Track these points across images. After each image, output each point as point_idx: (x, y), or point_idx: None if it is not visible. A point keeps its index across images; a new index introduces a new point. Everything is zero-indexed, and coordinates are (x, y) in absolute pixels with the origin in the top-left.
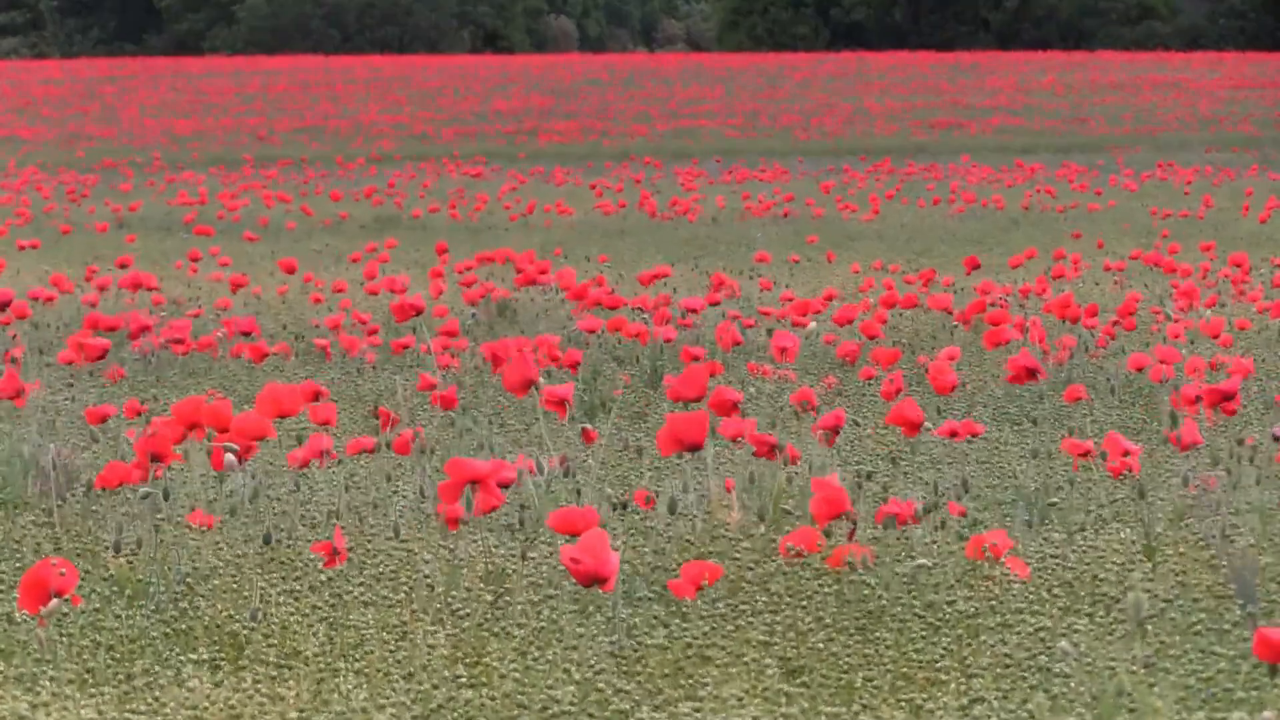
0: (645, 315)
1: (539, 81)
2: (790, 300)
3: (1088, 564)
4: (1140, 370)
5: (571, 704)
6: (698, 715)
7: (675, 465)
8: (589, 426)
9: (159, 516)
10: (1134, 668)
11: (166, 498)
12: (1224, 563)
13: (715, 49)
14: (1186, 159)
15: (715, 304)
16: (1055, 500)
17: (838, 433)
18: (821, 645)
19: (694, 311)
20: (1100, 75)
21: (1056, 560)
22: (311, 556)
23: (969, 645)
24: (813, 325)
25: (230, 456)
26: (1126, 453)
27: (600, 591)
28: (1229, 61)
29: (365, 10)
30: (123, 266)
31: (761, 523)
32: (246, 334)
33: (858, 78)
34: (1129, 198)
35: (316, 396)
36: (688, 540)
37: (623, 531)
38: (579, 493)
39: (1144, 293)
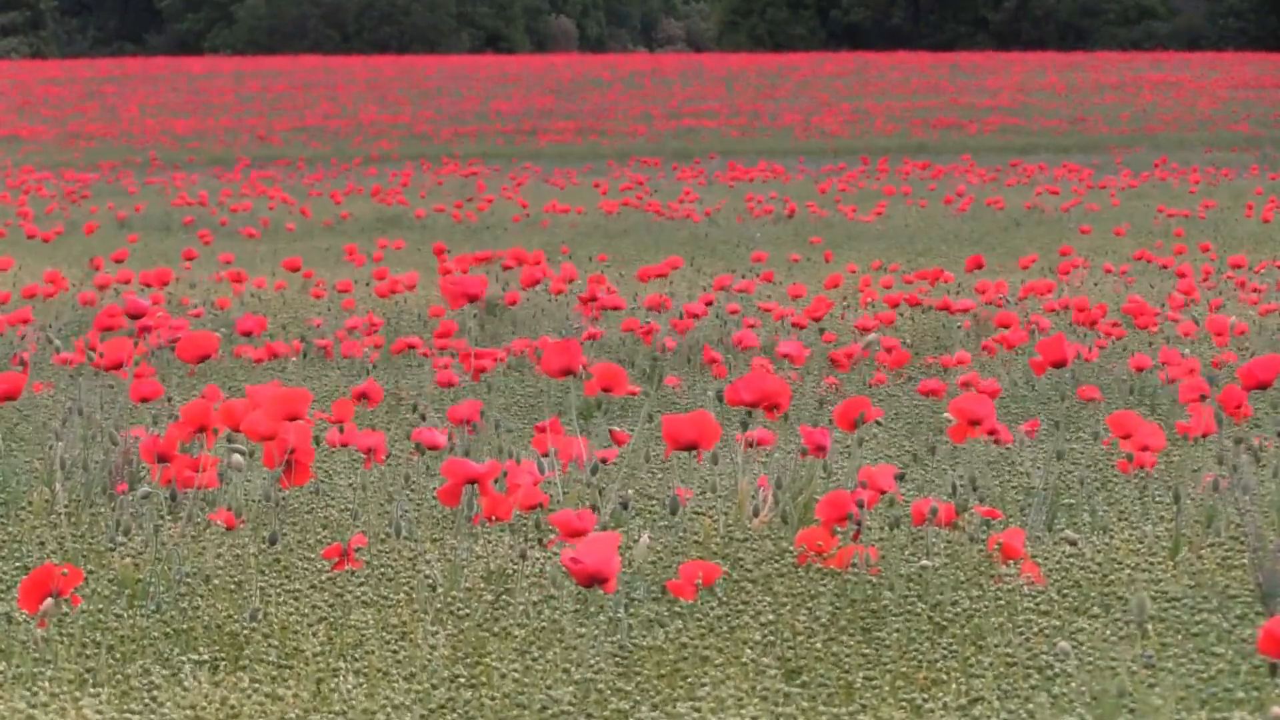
0: (651, 315)
1: (539, 81)
2: (796, 299)
3: (1099, 564)
4: (1141, 370)
5: (571, 704)
6: (697, 715)
7: (695, 465)
8: (616, 428)
9: (164, 516)
10: (1134, 667)
11: (174, 499)
12: (1253, 559)
13: (715, 49)
14: (1186, 159)
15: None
16: (1071, 500)
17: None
18: (821, 646)
19: (696, 316)
20: (1099, 75)
21: (1071, 560)
22: (313, 556)
23: (973, 645)
24: (874, 336)
25: (238, 458)
26: (1146, 447)
27: (601, 592)
28: (1228, 61)
29: (364, 10)
30: (119, 262)
31: (785, 524)
32: (248, 334)
33: (858, 78)
34: (1129, 197)
35: (362, 398)
36: (696, 540)
37: (649, 530)
38: (600, 492)
39: (1147, 293)
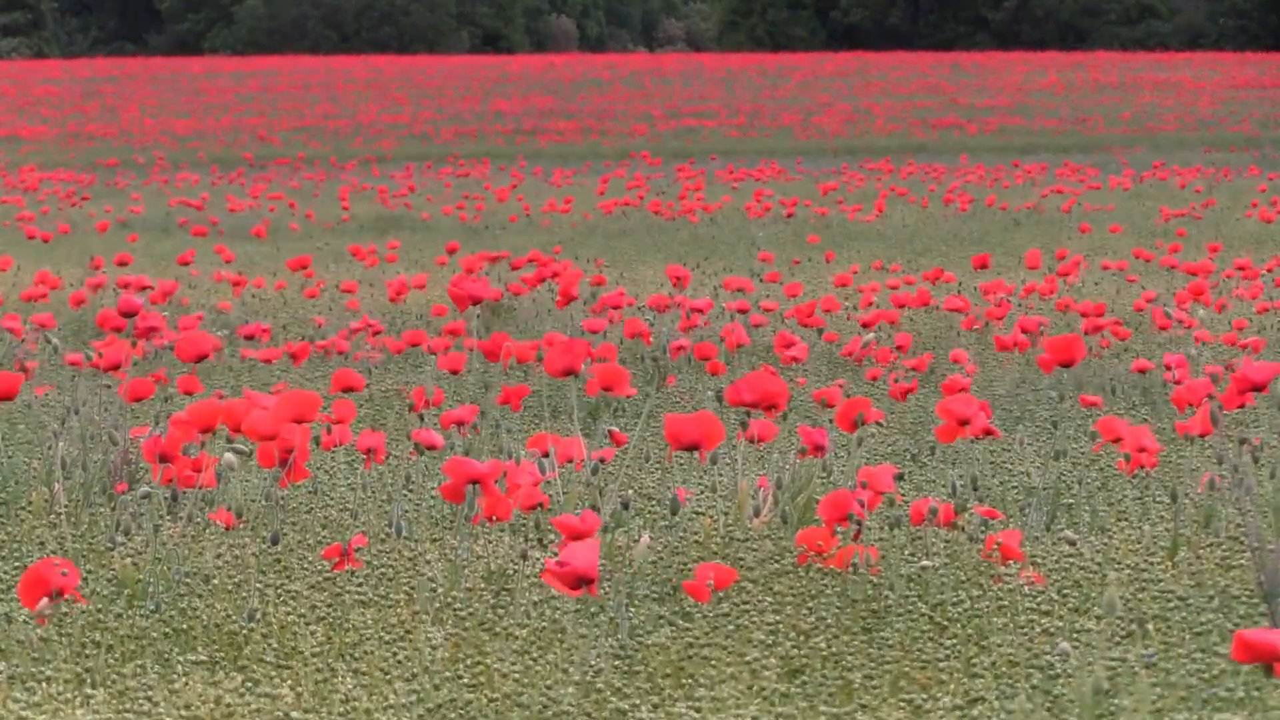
0: (653, 314)
1: (539, 81)
2: (794, 298)
3: (1099, 564)
4: (1144, 372)
5: (571, 704)
6: (696, 715)
7: (694, 465)
8: (615, 429)
9: (164, 516)
10: (1134, 668)
11: (175, 499)
12: (1254, 559)
13: (715, 49)
14: (1186, 159)
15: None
16: (1070, 500)
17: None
18: (824, 645)
19: (700, 312)
20: (1100, 75)
21: (1070, 560)
22: (312, 556)
23: (974, 645)
24: (871, 335)
25: (230, 456)
26: (1143, 449)
27: (589, 594)
28: (1229, 61)
29: (364, 10)
30: (121, 264)
31: (785, 525)
32: (250, 337)
33: (858, 78)
34: (1129, 197)
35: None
36: (696, 540)
37: (649, 530)
38: (600, 492)
39: (1146, 293)
